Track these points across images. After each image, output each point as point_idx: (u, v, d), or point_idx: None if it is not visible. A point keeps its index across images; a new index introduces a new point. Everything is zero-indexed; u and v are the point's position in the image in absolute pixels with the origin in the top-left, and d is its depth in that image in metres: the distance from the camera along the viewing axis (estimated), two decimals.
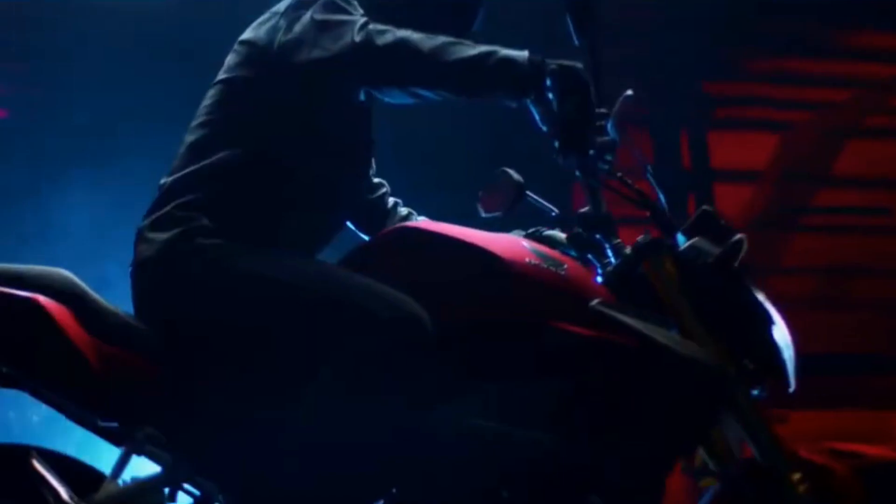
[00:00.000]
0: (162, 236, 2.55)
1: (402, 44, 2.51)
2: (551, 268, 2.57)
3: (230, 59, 2.76)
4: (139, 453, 2.49)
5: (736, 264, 2.65)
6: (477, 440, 2.49)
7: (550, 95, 2.51)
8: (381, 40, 2.51)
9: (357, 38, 2.52)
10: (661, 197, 2.79)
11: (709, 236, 2.74)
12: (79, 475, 2.49)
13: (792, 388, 2.73)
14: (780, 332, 2.70)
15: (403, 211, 3.15)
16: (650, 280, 2.67)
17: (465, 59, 2.50)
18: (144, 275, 2.58)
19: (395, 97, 2.63)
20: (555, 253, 2.67)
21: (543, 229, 3.03)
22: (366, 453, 2.46)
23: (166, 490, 2.51)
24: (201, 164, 2.64)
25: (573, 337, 2.52)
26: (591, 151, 2.63)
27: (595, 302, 2.57)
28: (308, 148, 2.66)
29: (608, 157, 2.66)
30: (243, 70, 2.71)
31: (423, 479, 2.50)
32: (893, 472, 2.62)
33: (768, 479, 2.57)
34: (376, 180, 3.14)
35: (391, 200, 3.16)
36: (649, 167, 2.81)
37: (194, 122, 2.73)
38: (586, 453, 2.53)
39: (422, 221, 2.83)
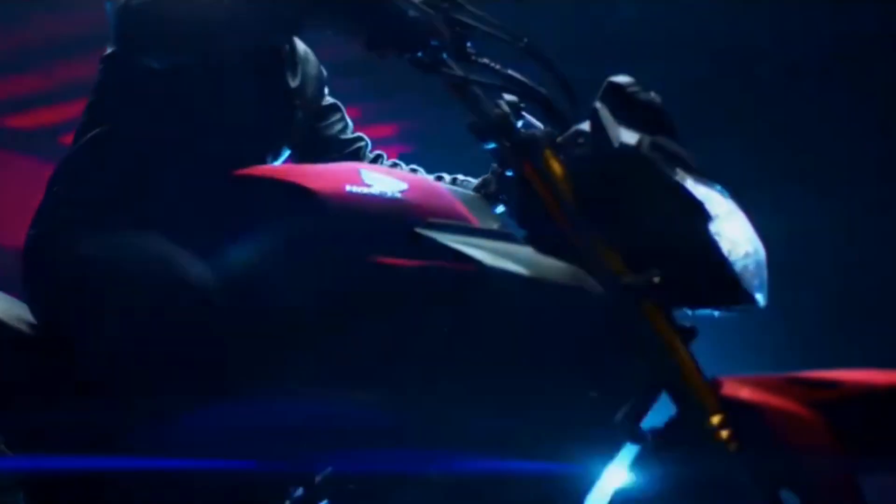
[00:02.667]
0: (30, 233, 2.49)
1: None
2: (380, 193, 2.22)
3: None
4: None
5: (616, 144, 2.09)
6: (303, 408, 2.19)
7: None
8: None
9: (120, 3, 2.30)
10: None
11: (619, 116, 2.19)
12: None
13: (760, 303, 2.11)
14: (732, 230, 2.13)
15: (387, 163, 2.90)
16: (532, 185, 2.18)
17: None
18: None
19: (184, 60, 2.38)
20: (400, 174, 2.33)
21: None
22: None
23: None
24: (73, 148, 2.55)
25: (395, 271, 2.16)
26: (433, 41, 2.21)
27: (424, 224, 2.15)
28: (158, 122, 2.47)
29: (434, 43, 2.21)
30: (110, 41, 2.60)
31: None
32: (873, 404, 1.93)
33: (684, 428, 2.02)
34: (350, 136, 2.91)
35: (371, 155, 2.92)
36: (524, 40, 2.29)
37: None
38: (424, 414, 2.15)
39: (268, 166, 2.51)
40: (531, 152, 2.19)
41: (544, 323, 2.11)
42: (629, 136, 2.12)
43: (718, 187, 2.15)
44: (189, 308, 2.24)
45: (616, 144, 2.10)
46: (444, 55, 2.21)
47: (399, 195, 2.22)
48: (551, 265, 2.12)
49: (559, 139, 2.20)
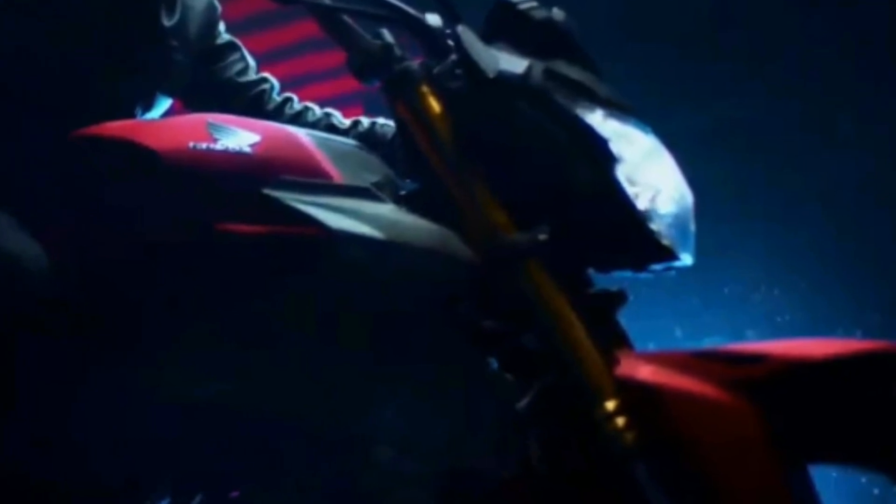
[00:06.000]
0: None
1: None
2: (226, 148, 2.21)
3: None
4: None
5: (491, 74, 2.06)
6: (146, 412, 2.20)
7: None
8: None
9: None
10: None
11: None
12: None
13: (685, 261, 2.08)
14: (651, 173, 2.10)
15: (297, 107, 2.93)
16: (408, 128, 2.17)
17: None
18: None
19: None
20: (255, 124, 2.31)
21: None
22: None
23: None
24: None
25: (239, 239, 2.15)
26: None
27: (273, 183, 2.15)
28: None
29: None
30: None
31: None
32: (807, 381, 1.83)
33: (570, 413, 1.97)
34: (252, 77, 2.95)
35: (279, 98, 2.94)
36: None
37: None
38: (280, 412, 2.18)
39: (115, 124, 2.51)
40: (404, 89, 2.16)
41: (404, 295, 2.09)
42: (514, 63, 2.08)
43: (635, 121, 2.10)
44: (15, 300, 2.22)
45: (491, 74, 2.05)
46: None
47: (248, 150, 2.20)
48: (415, 226, 2.10)
49: (436, 71, 2.16)
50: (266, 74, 2.97)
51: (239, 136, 2.22)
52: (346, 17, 2.22)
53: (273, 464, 2.20)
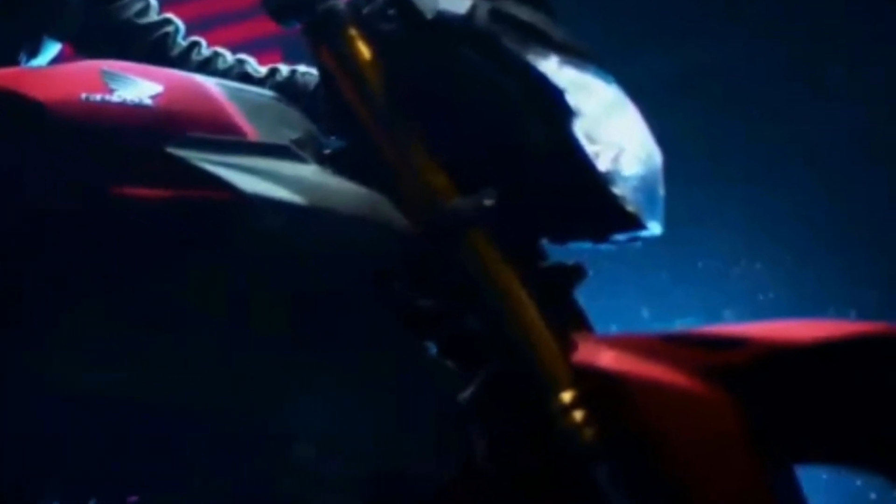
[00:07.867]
0: None
1: None
2: (124, 100, 2.22)
3: None
4: None
5: (429, 14, 2.08)
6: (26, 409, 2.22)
7: None
8: None
9: None
10: None
11: None
12: None
13: (653, 231, 2.12)
14: (613, 129, 2.13)
15: (206, 53, 2.95)
16: (334, 77, 2.20)
17: None
18: None
19: None
20: (157, 73, 2.33)
21: None
22: None
23: None
24: None
25: (139, 205, 2.16)
26: None
27: (178, 140, 2.17)
28: None
29: None
30: None
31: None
32: (793, 369, 1.86)
33: (521, 405, 2.00)
34: (153, 19, 2.95)
35: (184, 43, 2.95)
36: None
37: None
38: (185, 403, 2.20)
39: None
40: (328, 32, 2.17)
41: (327, 269, 2.12)
42: (456, 3, 2.10)
43: (595, 69, 2.13)
44: None
45: (429, 15, 2.07)
46: None
47: (149, 102, 2.21)
48: (341, 190, 2.12)
49: (366, 11, 2.17)
50: (169, 15, 2.96)
51: (138, 86, 2.24)
52: None
53: (176, 465, 2.22)
